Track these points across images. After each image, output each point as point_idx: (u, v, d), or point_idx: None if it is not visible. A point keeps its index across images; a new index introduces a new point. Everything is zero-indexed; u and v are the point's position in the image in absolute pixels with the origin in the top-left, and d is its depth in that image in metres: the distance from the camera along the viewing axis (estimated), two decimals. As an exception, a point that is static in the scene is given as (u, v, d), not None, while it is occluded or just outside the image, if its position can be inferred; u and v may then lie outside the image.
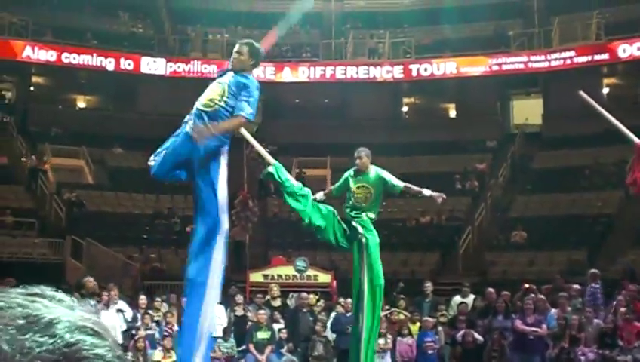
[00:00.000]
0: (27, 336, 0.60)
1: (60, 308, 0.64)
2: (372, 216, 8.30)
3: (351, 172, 8.53)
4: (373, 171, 8.43)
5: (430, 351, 12.89)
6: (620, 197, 22.54)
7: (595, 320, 12.57)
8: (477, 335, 12.82)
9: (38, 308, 0.64)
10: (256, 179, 24.39)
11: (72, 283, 14.80)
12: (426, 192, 8.48)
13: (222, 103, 6.45)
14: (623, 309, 12.53)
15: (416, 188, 8.54)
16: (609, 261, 20.20)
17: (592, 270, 14.39)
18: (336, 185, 8.69)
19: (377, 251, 8.14)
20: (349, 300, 12.91)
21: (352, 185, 8.36)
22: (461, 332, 13.06)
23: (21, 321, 0.61)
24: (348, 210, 8.36)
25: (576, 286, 13.84)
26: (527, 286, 13.93)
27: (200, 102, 6.62)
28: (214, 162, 6.44)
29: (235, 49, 6.62)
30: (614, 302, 12.97)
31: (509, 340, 12.55)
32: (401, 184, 8.47)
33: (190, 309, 6.44)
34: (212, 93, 6.57)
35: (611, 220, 22.85)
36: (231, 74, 6.57)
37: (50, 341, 0.61)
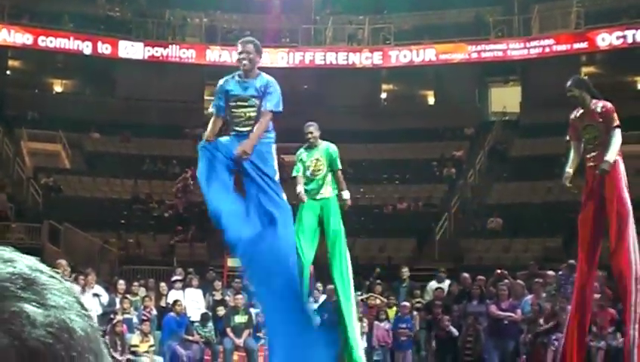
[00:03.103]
0: None
1: (23, 257, 0.71)
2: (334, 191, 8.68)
3: (301, 149, 8.81)
4: (324, 144, 8.77)
5: (403, 338, 12.98)
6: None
7: (569, 307, 12.70)
8: (452, 328, 12.88)
9: (4, 250, 0.71)
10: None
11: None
12: (346, 194, 8.78)
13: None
14: (597, 296, 12.69)
15: (344, 188, 8.79)
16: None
17: (571, 261, 14.40)
18: (296, 168, 8.85)
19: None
20: (329, 286, 13.01)
21: (305, 158, 8.67)
22: (437, 318, 13.17)
23: None
24: (306, 187, 8.64)
25: (551, 272, 13.95)
26: (499, 271, 14.03)
27: (240, 127, 6.69)
28: (270, 166, 6.62)
29: (243, 49, 6.67)
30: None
31: (483, 325, 12.67)
32: (339, 166, 8.77)
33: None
34: (248, 113, 6.65)
35: (587, 208, 23.06)
36: (251, 85, 6.68)
37: (10, 269, 0.67)
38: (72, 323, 0.67)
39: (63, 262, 12.98)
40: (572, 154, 7.87)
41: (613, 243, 7.55)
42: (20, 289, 0.67)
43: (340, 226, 8.58)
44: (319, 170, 8.62)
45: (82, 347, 0.67)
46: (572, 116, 7.83)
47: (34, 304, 0.66)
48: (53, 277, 0.70)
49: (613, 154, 7.47)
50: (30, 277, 0.68)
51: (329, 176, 8.65)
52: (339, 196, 8.71)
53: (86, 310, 0.70)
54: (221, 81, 6.80)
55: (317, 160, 8.64)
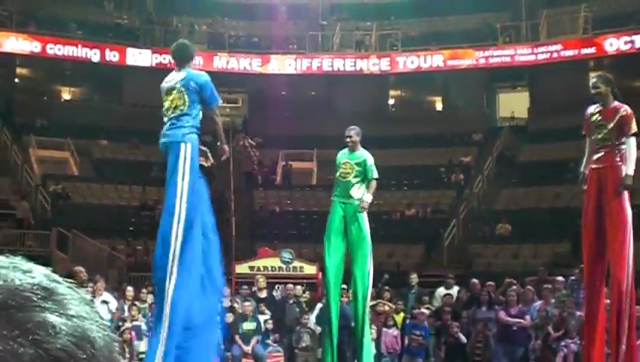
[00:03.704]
0: (10, 273, 0.69)
1: (38, 267, 0.73)
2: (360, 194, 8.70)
3: (341, 151, 8.98)
4: (362, 152, 8.86)
5: (414, 344, 12.92)
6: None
7: (577, 313, 12.66)
8: (460, 334, 12.82)
9: (20, 260, 0.73)
10: (243, 171, 24.41)
11: (60, 275, 14.75)
12: (367, 197, 8.77)
13: (185, 108, 6.64)
14: (606, 301, 12.60)
15: (370, 192, 8.78)
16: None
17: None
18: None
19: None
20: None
21: (339, 161, 8.83)
22: (446, 325, 13.11)
23: (7, 263, 0.70)
24: (336, 189, 8.74)
25: (561, 278, 13.89)
26: (508, 280, 13.98)
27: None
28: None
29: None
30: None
31: (492, 331, 12.62)
32: (373, 176, 8.76)
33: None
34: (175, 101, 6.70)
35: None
36: (181, 75, 6.76)
37: (30, 279, 0.69)
38: (92, 333, 0.68)
39: (81, 268, 12.97)
40: (587, 152, 7.76)
41: (614, 253, 7.40)
42: (41, 299, 0.67)
43: (364, 233, 8.59)
44: (347, 173, 8.68)
45: (103, 357, 0.68)
46: (588, 111, 7.67)
47: (56, 314, 0.67)
48: (69, 287, 0.71)
49: (632, 165, 7.30)
50: (49, 287, 0.69)
51: (358, 183, 8.67)
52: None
53: (103, 320, 0.71)
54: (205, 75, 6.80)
55: (347, 163, 8.70)
